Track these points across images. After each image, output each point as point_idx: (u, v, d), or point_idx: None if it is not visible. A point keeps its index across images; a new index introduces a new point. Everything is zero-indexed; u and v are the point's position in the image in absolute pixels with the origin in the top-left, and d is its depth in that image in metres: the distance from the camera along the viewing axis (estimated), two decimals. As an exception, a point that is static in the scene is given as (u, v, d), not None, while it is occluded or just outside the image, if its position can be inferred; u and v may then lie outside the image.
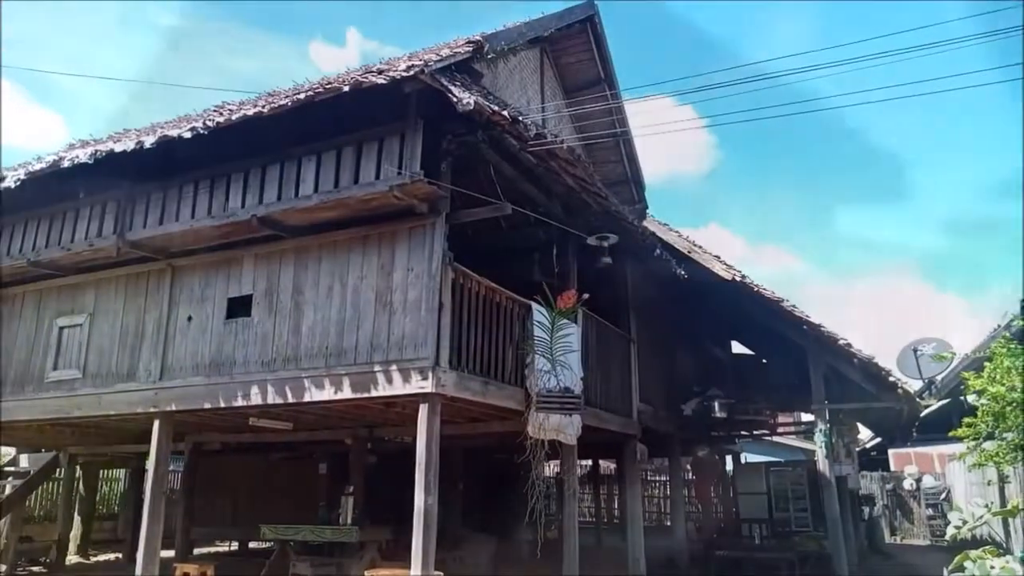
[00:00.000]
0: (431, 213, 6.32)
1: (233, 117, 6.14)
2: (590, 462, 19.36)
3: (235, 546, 14.72)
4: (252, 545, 14.26)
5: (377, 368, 6.20)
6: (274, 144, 6.65)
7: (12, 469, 12.76)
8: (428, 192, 6.06)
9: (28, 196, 7.75)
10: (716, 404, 12.99)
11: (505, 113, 5.86)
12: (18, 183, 7.15)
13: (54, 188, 7.64)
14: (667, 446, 13.43)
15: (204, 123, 6.25)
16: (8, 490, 12.14)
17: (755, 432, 15.81)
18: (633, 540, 10.10)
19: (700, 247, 10.30)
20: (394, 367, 6.13)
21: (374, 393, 6.18)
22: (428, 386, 5.93)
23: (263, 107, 6.05)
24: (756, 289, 9.79)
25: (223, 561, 12.99)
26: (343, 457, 13.34)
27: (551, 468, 22.15)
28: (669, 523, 20.81)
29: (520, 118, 6.02)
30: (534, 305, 7.61)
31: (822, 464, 9.95)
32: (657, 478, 22.74)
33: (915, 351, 9.42)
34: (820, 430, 9.87)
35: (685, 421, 12.99)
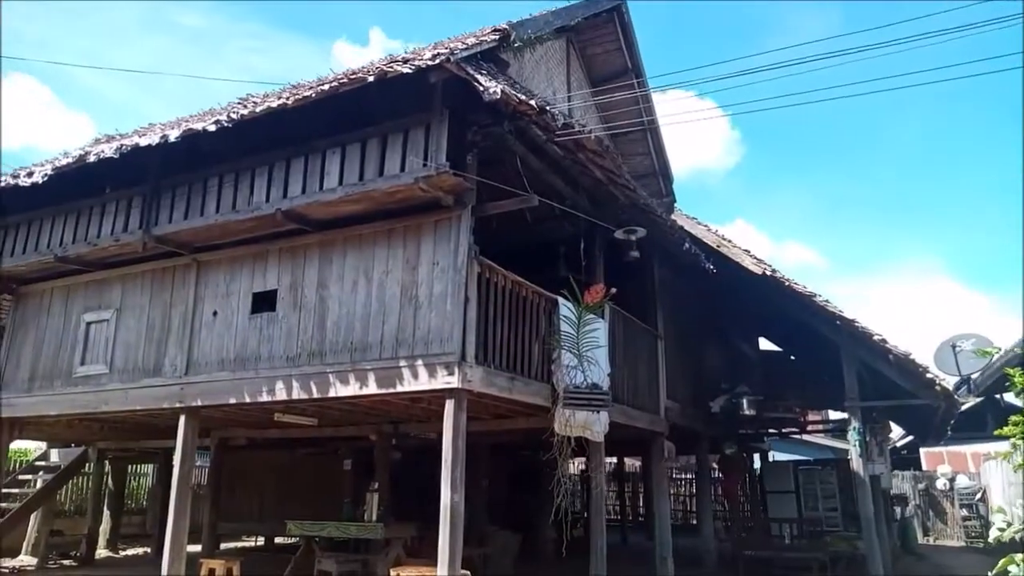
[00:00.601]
0: (457, 205, 6.21)
1: (257, 109, 6.09)
2: (615, 459, 19.19)
3: (261, 541, 14.78)
4: (278, 540, 14.31)
5: (402, 363, 6.11)
6: (299, 137, 6.59)
7: (42, 463, 12.89)
8: (454, 184, 5.96)
9: (55, 191, 7.78)
10: (745, 401, 12.75)
11: (532, 102, 5.73)
12: (45, 178, 7.16)
13: (80, 183, 7.65)
14: (694, 444, 13.23)
15: (228, 116, 6.20)
16: (39, 484, 12.27)
17: (784, 430, 15.52)
18: (661, 539, 9.93)
19: (729, 241, 10.10)
20: (420, 362, 6.04)
21: (399, 389, 6.10)
22: (454, 381, 5.83)
23: (287, 99, 5.98)
24: (788, 284, 9.57)
25: (249, 556, 13.04)
26: (367, 453, 13.33)
27: (576, 465, 22.15)
28: (695, 522, 20.73)
29: (547, 107, 5.88)
30: (560, 300, 7.48)
31: (856, 463, 9.71)
32: (682, 476, 22.53)
33: (954, 347, 9.14)
34: (854, 428, 9.62)
35: (712, 418, 12.78)
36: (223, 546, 13.93)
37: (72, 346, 8.15)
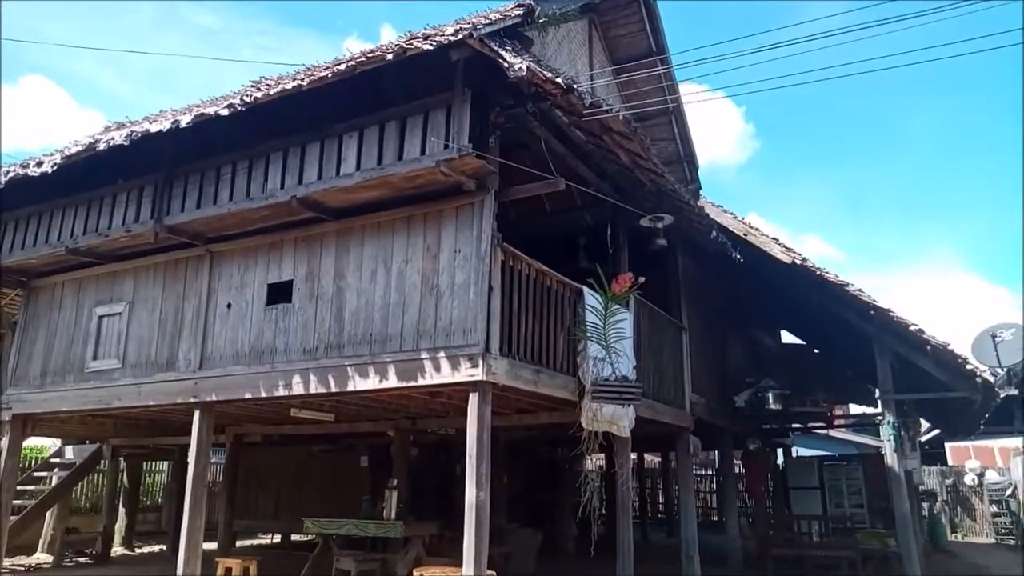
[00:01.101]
0: (479, 191, 5.95)
1: (272, 92, 5.84)
2: (635, 455, 18.89)
3: (278, 538, 14.62)
4: (295, 538, 14.14)
5: (424, 355, 5.86)
6: (314, 121, 6.34)
7: (58, 460, 12.78)
8: (477, 167, 5.69)
9: (65, 182, 7.58)
10: (770, 395, 12.43)
11: (559, 80, 5.45)
12: (54, 167, 6.96)
13: (91, 173, 7.45)
14: (717, 439, 12.93)
15: (241, 99, 5.96)
16: (54, 481, 12.15)
17: (810, 425, 15.17)
18: (687, 537, 9.65)
19: (756, 229, 9.77)
20: (442, 354, 5.78)
21: (421, 382, 5.84)
22: (478, 374, 5.57)
23: (303, 81, 5.73)
24: (818, 273, 9.23)
25: (266, 554, 12.87)
26: (384, 449, 13.11)
27: (594, 461, 21.85)
28: (716, 519, 20.42)
29: (575, 86, 5.60)
30: (586, 289, 7.20)
31: (890, 458, 9.36)
32: (701, 472, 22.21)
33: (993, 337, 8.77)
34: (888, 422, 9.28)
35: (737, 413, 12.47)
36: (239, 543, 13.79)
37: (84, 341, 7.96)
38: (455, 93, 5.63)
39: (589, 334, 6.71)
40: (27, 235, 8.06)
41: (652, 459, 20.54)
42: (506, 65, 5.16)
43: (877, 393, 16.12)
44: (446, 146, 5.59)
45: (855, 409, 17.65)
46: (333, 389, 6.23)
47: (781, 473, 16.46)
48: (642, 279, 6.79)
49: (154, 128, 6.38)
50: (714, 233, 8.91)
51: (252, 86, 6.01)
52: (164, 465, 16.65)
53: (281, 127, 6.51)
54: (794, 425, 14.65)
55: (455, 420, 9.26)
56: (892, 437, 9.23)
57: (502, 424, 9.21)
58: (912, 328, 8.68)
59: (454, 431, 10.38)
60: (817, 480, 15.91)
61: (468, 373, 5.62)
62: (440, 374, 5.77)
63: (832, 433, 22.79)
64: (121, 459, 13.36)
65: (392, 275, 6.24)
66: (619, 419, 7.28)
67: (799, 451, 19.24)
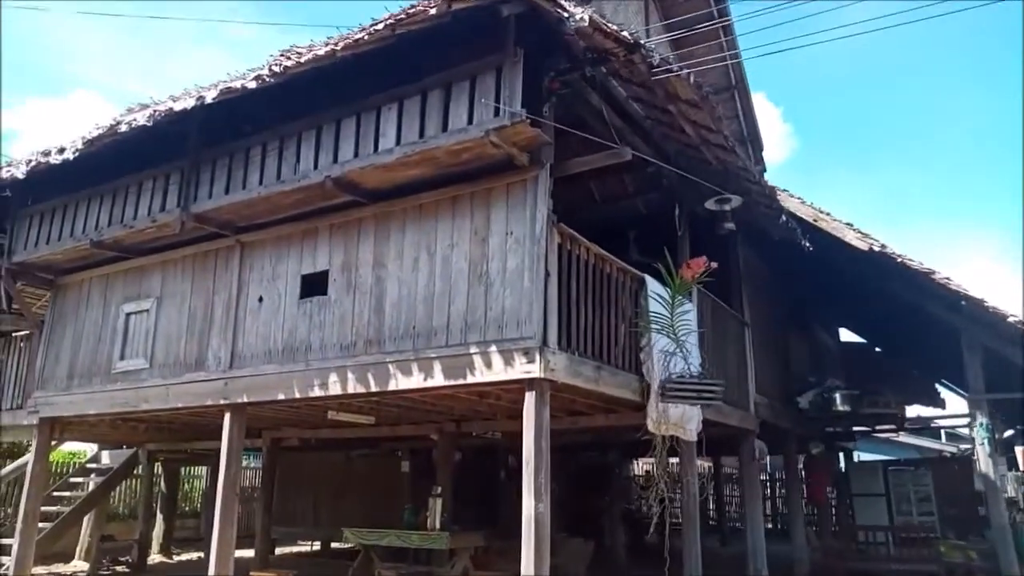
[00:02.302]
0: (532, 165, 5.30)
1: (303, 60, 5.28)
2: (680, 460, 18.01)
3: (317, 546, 14.15)
4: (335, 545, 13.67)
5: (473, 350, 5.23)
6: (350, 94, 5.78)
7: (94, 466, 12.46)
8: (531, 137, 5.05)
9: (88, 172, 7.16)
10: (838, 396, 11.56)
11: (625, 34, 4.78)
12: (76, 153, 6.52)
13: (115, 161, 7.01)
14: (781, 442, 12.05)
15: (270, 69, 5.41)
16: (91, 487, 11.83)
17: (878, 427, 14.21)
18: (754, 547, 8.90)
19: (828, 214, 8.93)
20: (493, 348, 5.15)
21: (470, 380, 5.21)
22: (535, 370, 4.93)
23: (336, 45, 5.16)
24: (900, 260, 8.37)
25: (304, 564, 12.41)
26: (426, 454, 12.56)
27: (640, 466, 21.05)
28: (770, 526, 19.45)
29: (641, 43, 4.93)
30: (648, 277, 6.52)
31: (984, 463, 8.47)
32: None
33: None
34: (981, 424, 8.39)
35: (800, 415, 11.61)
36: (277, 551, 13.37)
37: (111, 340, 7.51)
38: (506, 54, 5.00)
39: (655, 326, 6.02)
40: (51, 229, 7.65)
41: (703, 464, 19.61)
42: (566, 15, 4.51)
43: (943, 392, 15.20)
44: (496, 113, 4.97)
45: (922, 411, 16.61)
46: (373, 389, 5.64)
47: (843, 479, 15.52)
48: (715, 264, 6.06)
49: (178, 106, 5.88)
50: (783, 218, 8.13)
51: (282, 55, 5.46)
52: (202, 470, 16.34)
53: (314, 102, 5.96)
54: (863, 428, 13.69)
55: (502, 423, 8.65)
56: (986, 441, 8.35)
57: (553, 427, 8.57)
58: (1011, 319, 7.78)
59: (500, 434, 9.77)
60: (882, 486, 14.94)
61: (523, 369, 4.98)
62: (491, 371, 5.14)
63: (889, 436, 21.66)
64: (157, 464, 13.02)
65: (436, 262, 5.62)
66: (687, 422, 6.60)
67: (859, 455, 18.19)
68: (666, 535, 5.84)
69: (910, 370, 14.91)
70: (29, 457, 10.14)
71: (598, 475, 14.25)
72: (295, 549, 14.53)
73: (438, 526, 8.25)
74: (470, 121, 5.09)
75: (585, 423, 7.99)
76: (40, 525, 8.64)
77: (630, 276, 6.40)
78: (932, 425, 17.01)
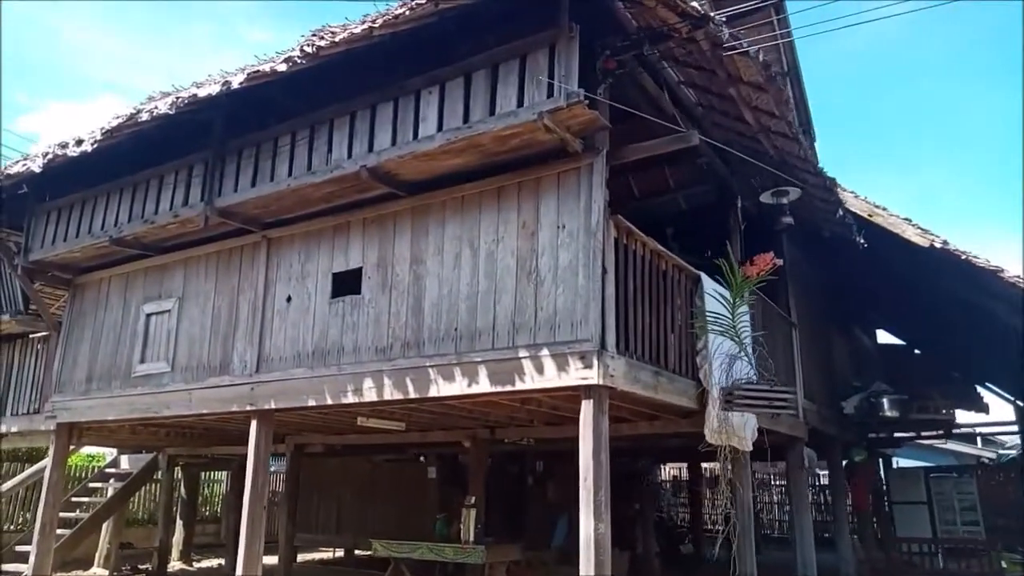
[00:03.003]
0: (587, 152, 4.86)
1: (337, 39, 4.86)
2: (716, 465, 17.49)
3: (340, 552, 13.77)
4: (358, 553, 13.28)
5: (523, 353, 4.79)
6: (386, 77, 5.37)
7: (113, 471, 12.17)
8: (588, 121, 4.61)
9: (108, 165, 6.82)
10: (885, 401, 11.02)
11: (695, 5, 4.33)
12: (95, 144, 6.14)
13: (135, 154, 6.65)
14: (826, 449, 11.52)
15: (302, 50, 5.00)
16: (109, 492, 11.52)
17: (924, 434, 13.64)
18: (804, 559, 8.42)
19: (884, 208, 8.41)
20: (545, 352, 4.71)
21: (519, 386, 4.77)
22: (593, 376, 4.48)
23: (374, 23, 4.74)
24: (964, 257, 7.83)
25: (328, 573, 12.06)
26: (452, 459, 12.15)
27: (667, 471, 20.51)
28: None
29: (710, 14, 4.47)
30: (703, 275, 6.06)
31: (1055, 475, 7.90)
32: (776, 482, 20.64)
33: None
34: (1052, 432, 7.82)
35: (845, 420, 11.08)
36: (300, 557, 13.01)
37: (131, 342, 7.15)
38: (560, 29, 4.57)
39: (715, 327, 5.55)
40: (69, 226, 7.31)
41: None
42: (632, -19, 4.07)
43: (985, 396, 14.58)
44: (550, 94, 4.53)
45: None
46: (412, 395, 5.21)
47: (883, 486, 14.95)
48: (780, 261, 5.59)
49: (202, 93, 5.48)
50: (840, 212, 7.64)
51: (314, 35, 5.05)
52: (222, 475, 16.03)
53: (347, 87, 5.56)
54: (910, 433, 13.13)
55: (539, 429, 8.21)
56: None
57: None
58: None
59: (531, 441, 9.34)
60: (924, 494, 14.36)
61: (579, 376, 4.54)
62: (543, 376, 4.70)
63: (925, 441, 21.00)
64: (177, 469, 12.69)
65: (480, 258, 5.19)
66: (743, 430, 6.13)
67: (899, 462, 17.56)
68: (730, 546, 5.35)
69: (950, 372, 14.32)
70: (46, 462, 9.85)
71: (628, 482, 13.76)
72: (317, 556, 14.17)
73: (472, 538, 7.83)
74: (520, 104, 4.66)
75: (628, 430, 7.52)
76: (58, 532, 8.32)
77: (685, 274, 5.95)
78: (979, 432, 16.36)
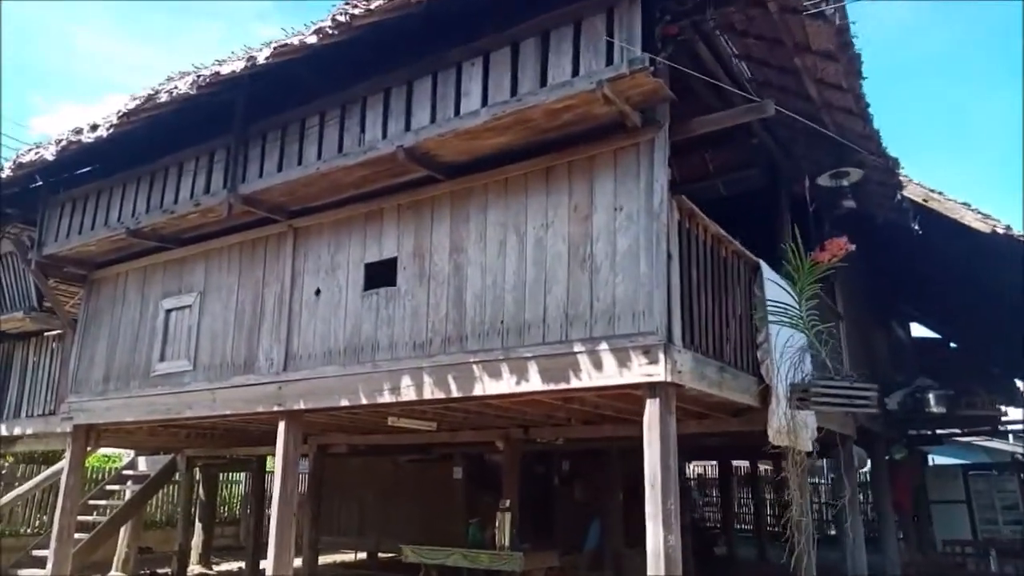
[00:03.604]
0: (647, 127, 4.43)
1: (372, 6, 4.45)
2: (747, 463, 17.04)
3: (362, 555, 13.43)
4: (382, 555, 12.93)
5: (578, 348, 4.38)
6: (422, 50, 4.96)
7: (130, 472, 11.84)
8: (650, 91, 4.18)
9: (125, 152, 6.46)
10: (931, 397, 10.51)
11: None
12: (111, 129, 5.78)
13: (153, 140, 6.29)
14: (869, 447, 11.04)
15: (334, 21, 4.60)
16: (127, 495, 11.21)
17: (968, 430, 13.13)
18: (855, 561, 8.04)
19: (940, 193, 7.94)
20: (603, 345, 4.29)
21: (575, 383, 4.36)
22: (659, 372, 4.06)
23: (412, -13, 4.33)
24: (1031, 244, 7.34)
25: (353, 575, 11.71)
26: (479, 459, 11.76)
27: (692, 469, 20.03)
28: (836, 533, 18.37)
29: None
30: (763, 263, 5.63)
31: None
32: (813, 480, 20.16)
33: None
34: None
35: (889, 417, 10.60)
36: (321, 560, 12.67)
37: (150, 339, 6.78)
38: (620, -10, 4.14)
39: (779, 318, 5.11)
40: (84, 217, 6.95)
41: (764, 467, 18.56)
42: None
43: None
44: (608, 61, 4.11)
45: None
46: (454, 394, 4.81)
47: (921, 484, 14.45)
48: (853, 247, 5.15)
49: (225, 70, 5.10)
50: (899, 196, 7.18)
51: (347, 3, 4.64)
52: (241, 475, 15.73)
53: (379, 63, 5.15)
54: (956, 430, 12.63)
55: (577, 429, 7.80)
56: None
57: (622, 434, 7.73)
58: None
59: (562, 441, 8.94)
60: (963, 493, 13.84)
61: (644, 372, 4.12)
62: (601, 373, 4.28)
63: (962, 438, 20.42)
64: (196, 470, 12.37)
65: (527, 245, 4.78)
66: (803, 429, 5.69)
67: (935, 459, 17.02)
68: (806, 555, 4.93)
69: (988, 367, 13.81)
70: (62, 465, 9.53)
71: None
72: (339, 558, 13.82)
73: (507, 544, 7.44)
74: (575, 72, 4.24)
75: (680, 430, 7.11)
76: (76, 536, 7.99)
77: (744, 261, 5.51)
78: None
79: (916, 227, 7.76)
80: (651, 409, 4.11)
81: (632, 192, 4.42)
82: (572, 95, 4.20)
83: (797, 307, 5.05)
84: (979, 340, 14.05)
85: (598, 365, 4.29)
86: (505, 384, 4.61)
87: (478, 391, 4.72)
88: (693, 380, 4.32)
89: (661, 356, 4.07)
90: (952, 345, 15.49)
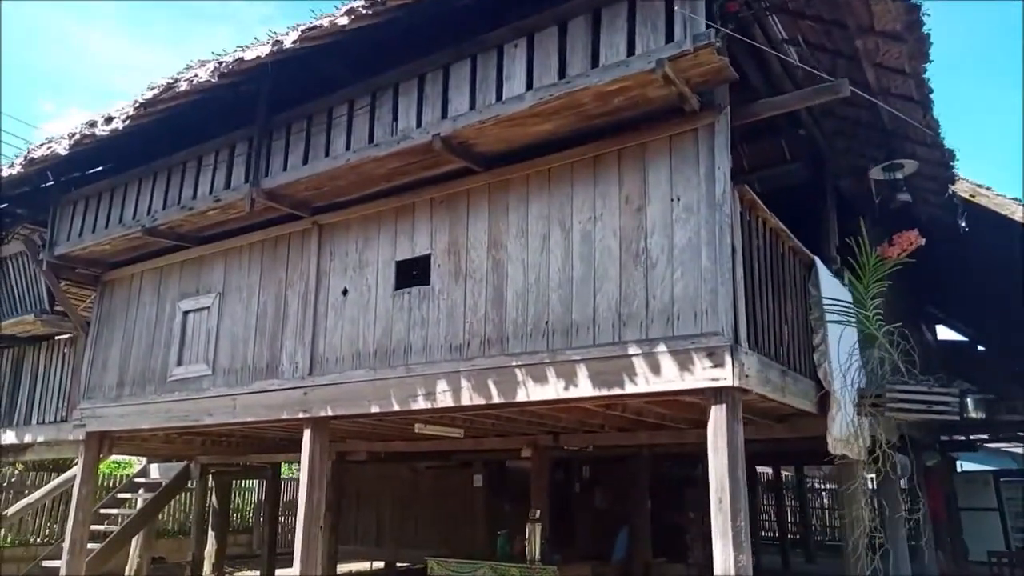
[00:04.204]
0: (706, 111, 4.11)
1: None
2: (769, 470, 16.65)
3: (378, 564, 13.08)
4: (399, 565, 12.59)
5: (633, 350, 4.05)
6: (460, 32, 4.65)
7: (142, 480, 11.55)
8: (713, 70, 3.86)
9: (139, 147, 6.18)
10: (970, 401, 10.13)
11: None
12: (127, 121, 5.48)
13: (169, 133, 6.00)
14: (909, 453, 10.66)
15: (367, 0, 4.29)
16: (139, 503, 10.91)
17: (1007, 435, 12.74)
18: (898, 572, 7.63)
19: (988, 188, 7.60)
20: (661, 347, 3.96)
21: (630, 389, 4.03)
22: (726, 376, 3.73)
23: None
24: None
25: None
26: (499, 466, 11.44)
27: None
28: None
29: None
30: (818, 260, 5.30)
31: None
32: (827, 486, 19.75)
33: None
34: None
35: (926, 422, 10.21)
36: (337, 570, 12.33)
37: (167, 342, 6.48)
38: (680, -39, 3.82)
39: (844, 318, 4.77)
40: (97, 216, 6.65)
41: (787, 473, 18.18)
42: None
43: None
44: (668, 38, 3.79)
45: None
46: (495, 399, 4.49)
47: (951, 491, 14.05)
48: (923, 241, 4.81)
49: (249, 55, 4.80)
50: (950, 190, 6.83)
51: (379, -18, 4.33)
52: (253, 482, 15.43)
53: (413, 48, 4.84)
54: (990, 436, 12.24)
55: (608, 436, 7.46)
56: None
57: (654, 442, 7.42)
58: None
59: (590, 448, 8.61)
60: (994, 500, 13.44)
61: (708, 376, 3.78)
62: (660, 377, 3.95)
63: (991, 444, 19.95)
64: (209, 477, 12.05)
65: (573, 239, 4.46)
66: (857, 437, 5.35)
67: (962, 465, 16.60)
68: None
69: (1015, 369, 13.43)
70: (73, 472, 9.24)
71: (679, 489, 12.98)
72: (355, 567, 13.49)
73: (538, 556, 7.09)
74: (631, 51, 3.92)
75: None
76: (88, 546, 7.68)
77: (799, 257, 5.17)
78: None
79: (963, 224, 7.42)
80: (717, 416, 3.77)
81: (691, 181, 4.09)
82: (628, 76, 3.88)
83: (854, 306, 4.71)
84: (1012, 343, 13.67)
85: (656, 368, 3.96)
86: (552, 389, 4.28)
87: (521, 397, 4.39)
88: (759, 384, 3.99)
89: (728, 358, 3.74)
90: (980, 348, 15.10)
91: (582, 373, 4.19)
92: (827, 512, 19.55)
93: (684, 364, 3.87)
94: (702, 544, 11.89)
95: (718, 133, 4.05)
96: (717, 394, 3.78)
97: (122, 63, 64.27)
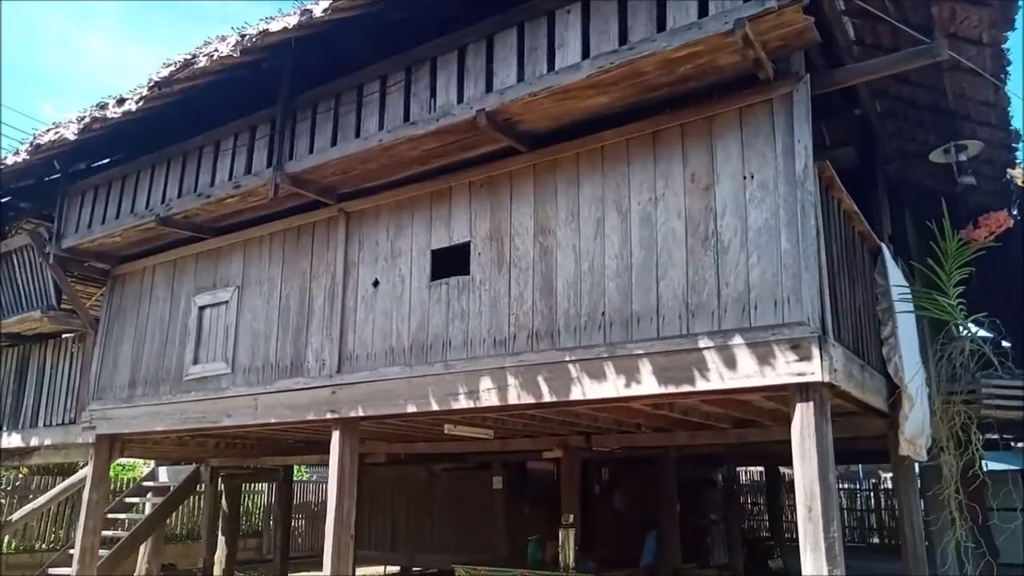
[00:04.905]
0: (781, 79, 3.74)
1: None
2: (792, 469, 16.23)
3: (393, 569, 12.72)
4: (415, 569, 12.23)
5: (704, 343, 3.68)
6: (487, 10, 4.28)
7: (151, 484, 11.17)
8: (796, 32, 3.49)
9: (153, 132, 5.81)
10: (1010, 397, 9.77)
11: None
12: (140, 103, 5.11)
13: (184, 116, 5.64)
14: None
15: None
16: (147, 508, 10.54)
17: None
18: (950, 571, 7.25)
19: (1042, 173, 7.22)
20: (737, 339, 3.59)
21: (701, 386, 3.66)
22: (814, 371, 3.36)
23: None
24: None
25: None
26: (519, 468, 11.08)
27: (749, 474, 19.21)
28: (877, 540, 17.63)
29: None
30: (884, 246, 4.93)
31: None
32: (843, 486, 19.36)
33: None
34: None
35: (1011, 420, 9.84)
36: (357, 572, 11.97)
37: (182, 340, 6.11)
38: (758, -89, 3.44)
39: (912, 308, 4.40)
40: (108, 206, 6.28)
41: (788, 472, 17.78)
42: None
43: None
44: (746, -2, 3.42)
45: None
46: (547, 398, 4.12)
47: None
48: (1012, 222, 4.44)
49: (275, 26, 4.42)
50: (1008, 175, 6.46)
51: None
52: (263, 486, 15.06)
53: (453, 18, 4.47)
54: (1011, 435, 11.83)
55: (643, 436, 7.10)
56: None
57: (698, 442, 7.05)
58: None
59: (620, 449, 8.26)
60: (1021, 500, 13.07)
61: (793, 370, 3.42)
62: (735, 372, 3.58)
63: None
64: (220, 481, 11.69)
65: (631, 222, 4.09)
66: (919, 436, 4.99)
67: (986, 463, 16.21)
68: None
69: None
70: (80, 476, 8.89)
71: (698, 490, 12.60)
72: (369, 571, 13.11)
73: (572, 563, 6.73)
74: (703, 12, 3.55)
75: (757, 437, 6.45)
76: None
77: (866, 244, 4.81)
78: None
79: (1016, 212, 7.05)
80: (804, 415, 3.40)
81: (766, 157, 3.72)
82: (699, 39, 3.51)
83: (948, 294, 4.34)
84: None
85: (731, 363, 3.59)
86: (611, 387, 3.91)
87: (576, 395, 4.02)
88: (845, 380, 3.63)
89: (815, 351, 3.37)
90: (1005, 344, 14.69)
91: (645, 369, 3.82)
92: (866, 514, 19.14)
93: (764, 358, 3.50)
94: (729, 547, 11.55)
95: (797, 103, 3.68)
96: (803, 390, 3.42)
97: (122, 65, 63.90)
